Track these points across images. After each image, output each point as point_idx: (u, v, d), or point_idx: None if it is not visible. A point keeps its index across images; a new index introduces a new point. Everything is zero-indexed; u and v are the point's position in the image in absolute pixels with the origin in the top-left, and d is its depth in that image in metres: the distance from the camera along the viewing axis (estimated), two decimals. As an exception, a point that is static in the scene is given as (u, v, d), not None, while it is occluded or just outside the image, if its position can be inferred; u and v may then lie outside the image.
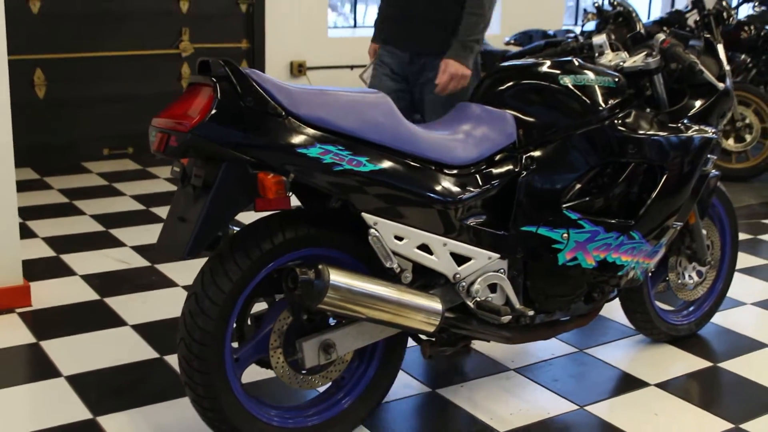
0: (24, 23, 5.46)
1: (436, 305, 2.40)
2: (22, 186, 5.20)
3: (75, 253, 4.03)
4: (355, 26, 7.43)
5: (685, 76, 2.90)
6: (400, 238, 2.36)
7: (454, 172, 2.47)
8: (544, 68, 2.69)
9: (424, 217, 2.40)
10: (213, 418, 2.31)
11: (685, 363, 3.15)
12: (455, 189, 2.45)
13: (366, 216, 2.30)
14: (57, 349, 3.05)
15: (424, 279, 2.50)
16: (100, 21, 5.74)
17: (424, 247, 2.42)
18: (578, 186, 2.67)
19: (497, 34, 7.27)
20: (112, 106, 5.84)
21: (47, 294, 3.51)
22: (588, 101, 2.66)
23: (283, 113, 2.17)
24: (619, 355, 3.20)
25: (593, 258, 2.70)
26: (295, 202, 2.37)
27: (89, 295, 3.55)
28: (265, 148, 2.14)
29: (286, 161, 2.16)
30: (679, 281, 3.22)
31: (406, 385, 2.89)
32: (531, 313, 2.63)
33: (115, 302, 3.49)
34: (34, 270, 3.73)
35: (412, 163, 2.37)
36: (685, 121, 2.87)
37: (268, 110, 2.15)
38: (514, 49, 6.26)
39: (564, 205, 2.63)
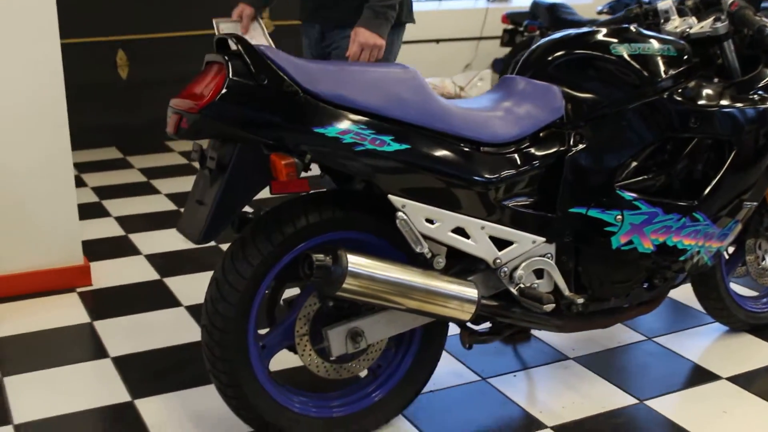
0: (106, 5, 5.54)
1: (471, 292, 2.26)
2: (105, 165, 5.33)
3: (143, 232, 4.06)
4: (440, -1, 7.27)
5: (758, 41, 2.64)
6: (431, 222, 2.22)
7: (492, 150, 2.31)
8: (597, 37, 2.48)
9: (458, 199, 2.25)
10: (237, 405, 2.25)
11: (763, 355, 2.90)
12: (492, 168, 2.29)
13: (393, 198, 2.17)
14: (109, 329, 3.06)
15: (463, 264, 2.37)
16: (182, 1, 5.76)
17: (460, 231, 2.28)
18: (634, 164, 2.46)
19: (589, 2, 6.96)
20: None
21: (109, 273, 3.54)
22: (644, 72, 2.45)
23: (300, 91, 2.06)
24: (692, 345, 2.97)
25: (651, 242, 2.49)
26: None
27: (150, 274, 3.55)
28: (280, 128, 2.04)
29: (302, 142, 2.06)
30: (759, 265, 2.96)
31: (455, 373, 2.76)
32: (580, 300, 2.45)
33: (174, 282, 3.48)
34: (100, 249, 3.77)
35: (444, 142, 2.23)
36: (760, 91, 2.61)
37: (283, 88, 2.04)
38: (604, 18, 5.97)
39: (617, 185, 2.43)
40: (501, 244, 2.34)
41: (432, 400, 2.61)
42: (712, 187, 2.54)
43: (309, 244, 2.20)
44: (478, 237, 2.29)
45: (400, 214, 2.17)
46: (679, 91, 2.48)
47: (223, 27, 3.20)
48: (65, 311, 3.20)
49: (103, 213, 4.30)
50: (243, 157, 2.08)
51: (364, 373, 2.45)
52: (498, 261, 2.33)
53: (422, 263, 2.24)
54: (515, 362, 2.83)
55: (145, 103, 5.75)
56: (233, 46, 2.07)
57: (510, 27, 6.73)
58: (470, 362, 2.82)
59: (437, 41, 6.98)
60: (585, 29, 2.55)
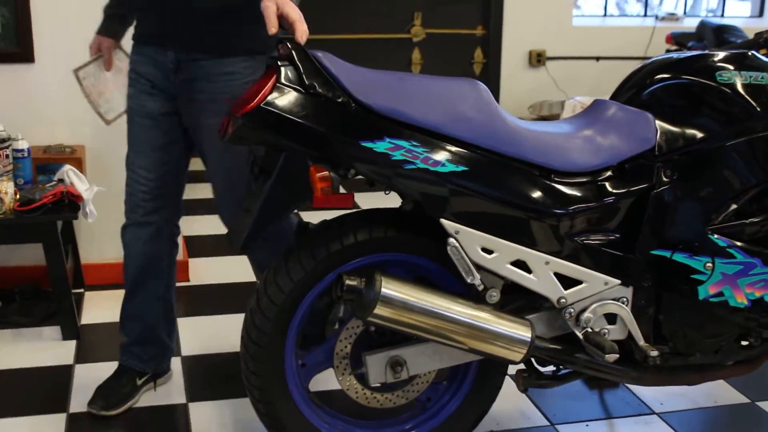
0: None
1: (524, 332, 2.07)
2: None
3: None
4: (605, 15, 6.92)
5: None
6: (489, 252, 2.06)
7: (566, 179, 2.11)
8: (704, 62, 2.23)
9: (520, 230, 2.07)
10: (269, 424, 2.17)
11: None
12: (563, 199, 2.09)
13: (445, 223, 2.02)
14: (190, 327, 3.07)
15: (525, 301, 2.19)
16: (333, 4, 5.78)
17: (522, 265, 2.10)
18: (733, 207, 2.19)
19: (763, 25, 6.44)
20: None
21: (207, 271, 3.56)
22: (754, 104, 2.17)
23: (351, 102, 1.95)
24: (803, 413, 2.64)
25: (745, 296, 2.21)
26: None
27: (246, 275, 3.55)
28: (324, 139, 1.93)
29: (347, 155, 1.94)
30: None
31: (523, 414, 2.57)
32: (654, 353, 2.20)
33: (267, 286, 3.45)
34: (201, 246, 3.80)
35: (509, 166, 2.05)
36: None
37: (332, 98, 1.93)
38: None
39: (710, 228, 2.18)
40: (569, 282, 2.15)
41: (488, 440, 2.44)
42: (827, 241, 2.23)
43: (355, 264, 2.10)
44: (541, 272, 2.10)
45: (451, 240, 2.02)
46: (795, 128, 2.19)
47: (83, 74, 2.64)
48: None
49: (208, 210, 4.34)
50: (288, 166, 2.00)
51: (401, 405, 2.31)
52: (563, 300, 2.13)
53: (474, 295, 2.09)
54: (592, 410, 2.60)
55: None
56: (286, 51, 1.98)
57: (674, 48, 6.33)
58: (543, 403, 2.62)
59: (597, 59, 6.68)
60: (694, 53, 2.30)
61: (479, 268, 2.06)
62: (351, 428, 2.25)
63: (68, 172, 3.02)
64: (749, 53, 2.28)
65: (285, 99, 1.92)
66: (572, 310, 2.16)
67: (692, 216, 2.17)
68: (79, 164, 3.09)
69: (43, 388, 2.61)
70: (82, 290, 3.34)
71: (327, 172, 1.91)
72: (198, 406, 2.55)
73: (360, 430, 2.26)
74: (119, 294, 3.25)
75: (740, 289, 2.20)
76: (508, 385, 2.55)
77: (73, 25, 3.11)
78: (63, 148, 3.16)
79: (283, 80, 1.93)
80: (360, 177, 1.99)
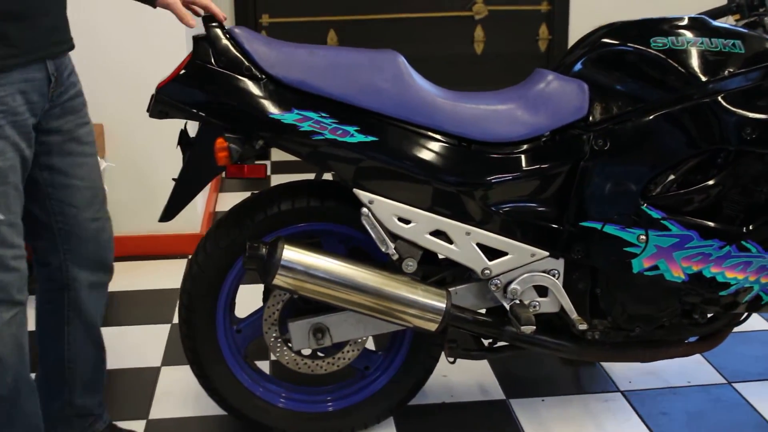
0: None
1: (437, 301, 2.07)
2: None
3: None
4: (686, -14, 6.63)
5: None
6: (406, 222, 2.08)
7: (487, 150, 2.10)
8: (643, 28, 2.16)
9: (438, 200, 2.08)
10: (203, 385, 2.26)
11: None
12: (483, 169, 2.08)
13: (359, 193, 2.05)
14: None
15: (454, 271, 2.19)
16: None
17: (443, 236, 2.11)
18: (671, 178, 2.12)
19: None
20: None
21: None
22: (688, 71, 2.09)
23: (262, 75, 2.00)
24: (780, 397, 2.52)
25: (682, 270, 2.13)
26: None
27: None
28: (234, 111, 1.99)
29: (255, 127, 2.00)
30: None
31: (481, 388, 2.56)
32: (583, 326, 2.16)
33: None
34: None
35: (423, 137, 2.06)
36: None
37: (243, 71, 1.99)
38: None
39: (647, 200, 2.11)
40: (498, 254, 2.14)
41: (446, 412, 2.45)
42: (774, 213, 2.13)
43: (281, 233, 2.15)
44: (462, 243, 2.10)
45: (364, 210, 2.05)
46: (735, 94, 2.09)
47: None
48: (176, 275, 3.39)
49: (236, 188, 4.46)
50: (203, 138, 2.06)
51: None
52: (487, 272, 2.12)
53: (391, 265, 2.11)
54: (552, 386, 2.57)
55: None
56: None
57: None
58: (505, 378, 2.60)
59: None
60: (641, 18, 2.22)
61: (396, 237, 2.08)
62: (289, 393, 2.31)
63: (80, 148, 3.21)
64: (700, 18, 2.19)
65: (198, 74, 2.00)
66: (498, 282, 2.14)
67: (624, 187, 2.11)
68: (91, 141, 3.27)
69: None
70: (103, 261, 3.54)
71: (225, 142, 1.98)
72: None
73: (297, 395, 2.32)
74: (131, 266, 3.47)
75: (676, 262, 2.13)
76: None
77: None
78: (79, 126, 3.35)
79: (198, 57, 2.01)
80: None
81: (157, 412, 2.46)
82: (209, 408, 2.35)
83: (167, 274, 3.38)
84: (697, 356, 2.69)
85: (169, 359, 2.74)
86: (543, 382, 2.58)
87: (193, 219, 3.60)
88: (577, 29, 6.07)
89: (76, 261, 2.03)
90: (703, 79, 2.09)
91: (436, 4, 5.86)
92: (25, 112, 1.82)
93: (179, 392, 2.53)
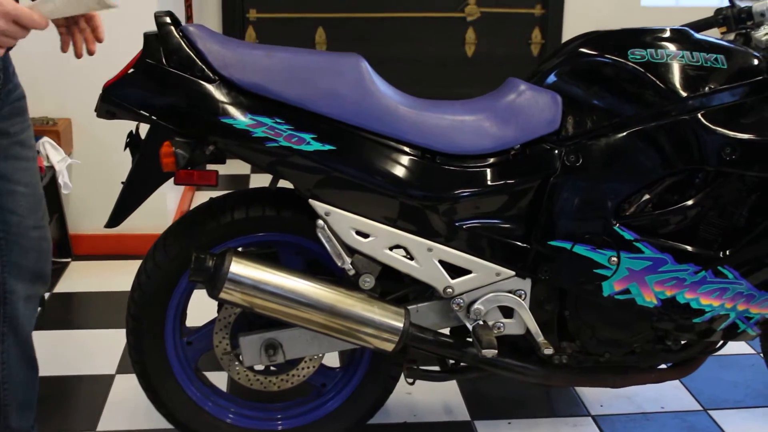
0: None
1: (395, 320, 1.97)
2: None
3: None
4: (682, -7, 6.52)
5: None
6: (365, 235, 1.97)
7: (451, 163, 1.98)
8: (622, 39, 2.05)
9: (398, 214, 1.97)
10: (151, 399, 2.15)
11: None
12: (446, 183, 1.97)
13: (314, 203, 1.94)
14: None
15: (415, 288, 2.08)
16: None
17: (404, 251, 2.00)
18: (645, 197, 2.01)
19: None
20: (392, 67, 5.78)
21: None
22: (667, 86, 1.98)
23: (215, 77, 1.89)
24: (756, 426, 2.40)
25: (654, 294, 2.03)
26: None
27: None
28: (183, 114, 1.88)
29: (206, 131, 1.89)
30: None
31: (446, 408, 2.46)
32: (549, 351, 2.05)
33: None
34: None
35: (385, 147, 1.95)
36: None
37: (195, 72, 1.88)
38: None
39: (619, 220, 2.00)
40: (459, 272, 2.03)
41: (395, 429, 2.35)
42: (754, 237, 2.02)
43: (233, 243, 2.05)
44: (423, 260, 1.99)
45: (319, 222, 1.94)
46: (716, 112, 1.98)
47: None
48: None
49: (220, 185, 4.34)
50: (152, 141, 1.95)
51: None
52: (449, 290, 2.01)
53: (347, 281, 2.00)
54: (521, 408, 2.46)
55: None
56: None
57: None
58: (472, 398, 2.50)
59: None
60: (623, 28, 2.11)
61: (354, 252, 1.98)
62: (240, 410, 2.21)
63: (45, 143, 3.11)
64: (683, 30, 2.09)
65: (147, 74, 1.89)
66: (461, 301, 2.04)
67: (596, 206, 2.00)
68: (57, 137, 3.17)
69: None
70: (68, 260, 3.44)
71: (171, 147, 1.87)
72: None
73: (250, 411, 2.21)
74: (104, 265, 3.37)
75: (649, 287, 2.02)
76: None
77: None
78: (47, 120, 3.25)
79: (147, 55, 1.90)
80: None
81: (105, 423, 2.35)
82: (160, 421, 2.23)
83: (129, 276, 3.24)
84: (674, 381, 2.58)
85: (124, 367, 2.63)
86: (511, 404, 2.48)
87: (161, 218, 3.49)
88: (571, 34, 5.87)
89: (14, 272, 1.88)
90: (682, 94, 1.98)
91: (428, 4, 5.74)
92: None
93: (131, 403, 2.42)
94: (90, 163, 3.35)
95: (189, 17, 4.51)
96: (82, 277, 3.29)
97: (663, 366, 2.25)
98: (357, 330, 1.96)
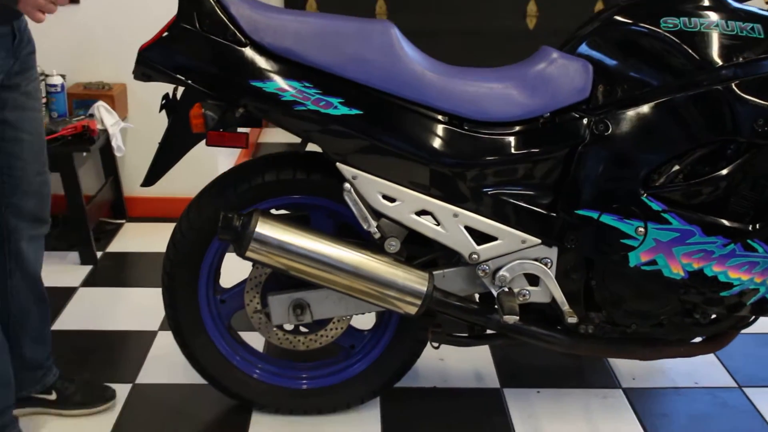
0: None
1: (418, 284, 1.99)
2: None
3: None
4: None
5: None
6: (391, 200, 2.00)
7: (479, 129, 2.00)
8: (657, 7, 2.02)
9: (425, 179, 1.99)
10: (185, 354, 2.23)
11: None
12: (473, 150, 1.98)
13: (342, 167, 1.97)
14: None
15: (442, 253, 2.10)
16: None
17: (430, 216, 2.02)
18: (675, 168, 1.99)
19: None
20: (452, 40, 5.75)
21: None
22: (699, 55, 1.95)
23: (245, 41, 1.93)
24: (794, 406, 2.37)
25: (681, 266, 2.01)
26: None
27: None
28: (215, 77, 1.93)
29: (236, 94, 1.93)
30: None
31: (476, 375, 2.48)
32: (573, 319, 2.05)
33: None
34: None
35: (412, 112, 1.97)
36: None
37: (227, 37, 1.92)
38: None
39: (648, 191, 1.99)
40: (485, 239, 2.04)
41: (435, 397, 2.38)
42: (785, 212, 1.98)
43: (265, 205, 2.10)
44: (449, 225, 2.01)
45: (346, 185, 1.98)
46: (750, 82, 1.94)
47: None
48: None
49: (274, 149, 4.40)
50: (185, 103, 2.01)
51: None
52: (474, 256, 2.03)
53: (374, 244, 2.03)
54: (550, 377, 2.46)
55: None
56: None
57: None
58: (504, 366, 2.51)
59: None
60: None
61: (380, 215, 2.01)
62: (267, 366, 2.27)
63: (99, 107, 3.20)
64: (723, -1, 2.05)
65: (180, 38, 1.94)
66: (487, 268, 2.05)
67: (624, 175, 1.99)
68: (111, 101, 3.26)
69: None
70: (123, 221, 3.55)
71: (200, 109, 1.92)
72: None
73: (277, 369, 2.28)
74: (156, 227, 3.46)
75: (676, 258, 2.00)
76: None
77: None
78: (102, 85, 3.34)
79: (181, 20, 1.95)
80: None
81: (144, 376, 2.45)
82: (195, 377, 2.31)
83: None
84: (710, 357, 2.56)
85: (167, 324, 2.71)
86: (542, 373, 2.49)
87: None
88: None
89: (17, 213, 2.04)
90: (716, 64, 1.95)
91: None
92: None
93: (170, 358, 2.49)
94: (144, 127, 3.44)
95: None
96: (134, 238, 3.39)
97: (696, 340, 2.23)
98: (380, 292, 2.00)
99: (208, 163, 3.39)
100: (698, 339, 2.23)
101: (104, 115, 3.19)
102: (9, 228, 2.02)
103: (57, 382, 2.25)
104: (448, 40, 5.70)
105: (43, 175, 2.09)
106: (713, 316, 2.13)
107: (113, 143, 3.22)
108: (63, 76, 3.22)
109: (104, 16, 3.33)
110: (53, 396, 2.24)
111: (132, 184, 3.56)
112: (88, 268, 3.11)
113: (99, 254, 3.22)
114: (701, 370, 2.50)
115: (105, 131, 3.20)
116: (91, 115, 3.17)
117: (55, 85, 3.16)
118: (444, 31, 5.71)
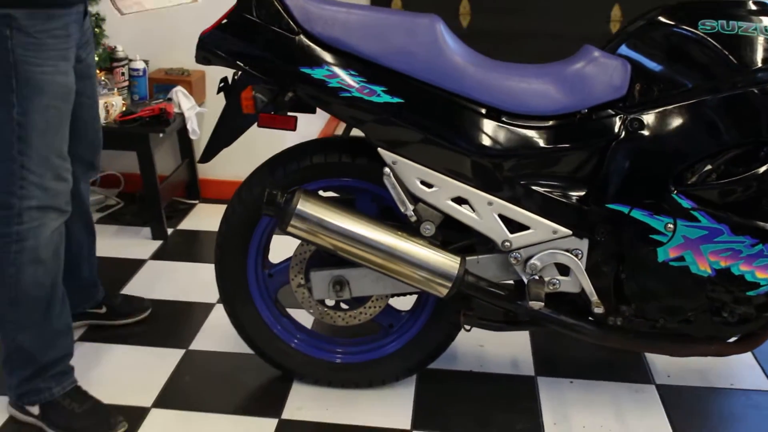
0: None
1: (449, 267, 2.09)
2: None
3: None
4: None
5: None
6: (429, 185, 2.10)
7: (516, 121, 2.08)
8: (693, 10, 2.06)
9: (462, 167, 2.08)
10: (233, 323, 2.38)
11: None
12: (510, 141, 2.06)
13: (383, 152, 2.08)
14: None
15: (477, 240, 2.19)
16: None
17: (464, 203, 2.11)
18: (706, 167, 2.03)
19: None
20: (534, 43, 5.78)
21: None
22: (735, 57, 1.98)
23: (298, 30, 2.06)
24: (829, 412, 2.37)
25: (709, 264, 2.05)
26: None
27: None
28: (268, 62, 2.06)
29: (286, 79, 2.06)
30: None
31: (513, 362, 2.55)
32: (599, 309, 2.11)
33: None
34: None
35: (452, 103, 2.06)
36: None
37: (281, 25, 2.05)
38: None
39: (679, 189, 2.03)
40: (519, 227, 2.12)
41: (469, 380, 2.47)
42: (816, 215, 2.00)
43: (311, 186, 2.22)
44: (483, 213, 2.10)
45: (386, 169, 2.08)
46: (784, 85, 1.97)
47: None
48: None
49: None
50: (240, 86, 2.14)
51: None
52: (507, 244, 2.11)
53: (409, 227, 2.14)
54: (584, 369, 2.52)
55: (483, 53, 5.80)
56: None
57: None
58: (541, 354, 2.58)
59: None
60: (694, 0, 2.13)
61: (417, 200, 2.11)
62: (306, 337, 2.40)
63: (177, 92, 3.39)
64: (763, 2, 2.07)
65: (238, 25, 2.08)
66: (519, 255, 2.13)
67: (655, 172, 2.04)
68: (189, 86, 3.44)
69: (108, 275, 2.97)
70: (196, 201, 3.74)
71: (251, 92, 2.06)
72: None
73: (315, 341, 2.40)
74: (221, 209, 3.63)
75: (703, 256, 2.05)
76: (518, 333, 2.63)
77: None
78: (182, 71, 3.53)
79: (240, 8, 2.09)
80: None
81: (197, 344, 2.61)
82: (243, 346, 2.45)
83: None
84: (749, 359, 2.57)
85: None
86: (578, 364, 2.54)
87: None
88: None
89: (78, 161, 2.34)
90: (752, 66, 1.98)
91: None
92: (76, 42, 2.11)
93: (223, 329, 2.65)
94: (216, 113, 3.61)
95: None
96: (205, 217, 3.58)
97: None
98: (413, 272, 2.10)
99: (277, 147, 3.53)
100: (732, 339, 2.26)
101: (182, 99, 3.38)
102: (74, 176, 2.23)
103: (105, 298, 2.69)
104: (530, 42, 5.74)
105: (99, 132, 2.46)
106: (741, 315, 2.15)
107: (188, 126, 3.40)
108: (146, 62, 3.43)
109: (188, 6, 3.52)
110: (103, 310, 2.69)
111: (206, 167, 3.74)
112: (158, 243, 3.30)
113: (170, 231, 3.42)
114: (739, 372, 2.52)
115: (181, 115, 3.39)
116: (170, 99, 3.36)
117: (137, 70, 3.37)
118: (525, 34, 5.75)
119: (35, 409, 2.20)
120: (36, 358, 2.16)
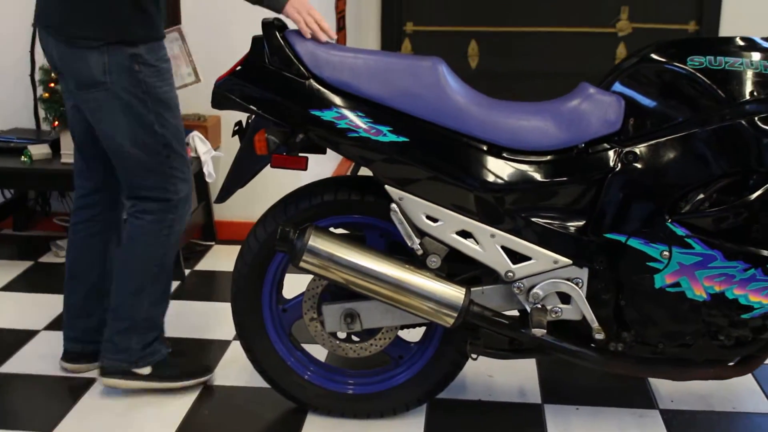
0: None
1: (455, 298, 2.18)
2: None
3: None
4: None
5: None
6: (434, 220, 2.20)
7: (516, 157, 2.19)
8: (683, 47, 2.17)
9: (465, 201, 2.19)
10: (249, 357, 2.47)
11: None
12: (510, 176, 2.17)
13: (389, 189, 2.19)
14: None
15: (482, 271, 2.28)
16: (534, -2, 5.86)
17: (468, 236, 2.21)
18: (699, 197, 2.12)
19: None
20: (543, 81, 5.92)
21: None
22: (723, 91, 2.09)
23: (308, 75, 2.18)
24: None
25: (704, 289, 2.13)
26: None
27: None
28: (281, 106, 2.18)
29: (298, 121, 2.19)
30: None
31: (520, 390, 2.63)
32: (600, 336, 2.20)
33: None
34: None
35: (454, 141, 2.17)
36: None
37: (291, 71, 2.18)
38: None
39: (673, 217, 2.13)
40: (521, 258, 2.22)
41: (478, 409, 2.54)
42: (805, 240, 2.08)
43: (324, 223, 2.33)
44: (486, 245, 2.20)
45: (393, 205, 2.19)
46: (768, 117, 2.07)
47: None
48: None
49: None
50: (254, 129, 2.26)
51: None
52: (510, 274, 2.21)
53: (416, 260, 2.23)
54: (590, 395, 2.59)
55: (490, 92, 5.94)
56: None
57: None
58: (548, 382, 2.66)
59: None
60: (688, 37, 2.24)
61: (423, 234, 2.21)
62: (318, 369, 2.48)
63: (194, 137, 3.52)
64: (750, 38, 2.19)
65: (251, 71, 2.22)
66: (522, 285, 2.23)
67: (650, 202, 2.15)
68: (205, 131, 3.58)
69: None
70: (212, 243, 3.85)
71: (264, 134, 2.17)
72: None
73: (326, 372, 2.49)
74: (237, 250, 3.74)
75: (698, 281, 2.13)
76: (525, 361, 2.70)
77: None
78: (198, 116, 3.67)
79: (253, 55, 2.22)
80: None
81: (215, 378, 2.69)
82: (260, 381, 2.53)
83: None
84: (751, 383, 2.64)
85: (241, 334, 2.98)
86: (583, 391, 2.62)
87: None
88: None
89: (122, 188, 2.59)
90: (739, 99, 2.09)
91: (580, 19, 5.85)
92: None
93: (239, 364, 2.73)
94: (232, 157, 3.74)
95: (341, 28, 4.86)
96: (221, 259, 3.69)
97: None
98: (420, 304, 2.19)
99: (289, 190, 3.66)
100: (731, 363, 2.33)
101: (198, 144, 3.51)
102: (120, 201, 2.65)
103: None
104: (538, 81, 5.89)
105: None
106: (738, 338, 2.23)
107: (204, 170, 3.52)
108: (163, 109, 3.56)
109: (204, 55, 3.67)
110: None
111: (222, 209, 3.86)
112: (176, 284, 3.40)
113: (187, 272, 3.53)
114: (740, 396, 2.58)
115: (198, 159, 3.51)
116: (187, 144, 3.48)
117: (154, 117, 3.50)
118: (535, 73, 5.90)
119: (146, 370, 2.56)
120: (158, 324, 2.60)
